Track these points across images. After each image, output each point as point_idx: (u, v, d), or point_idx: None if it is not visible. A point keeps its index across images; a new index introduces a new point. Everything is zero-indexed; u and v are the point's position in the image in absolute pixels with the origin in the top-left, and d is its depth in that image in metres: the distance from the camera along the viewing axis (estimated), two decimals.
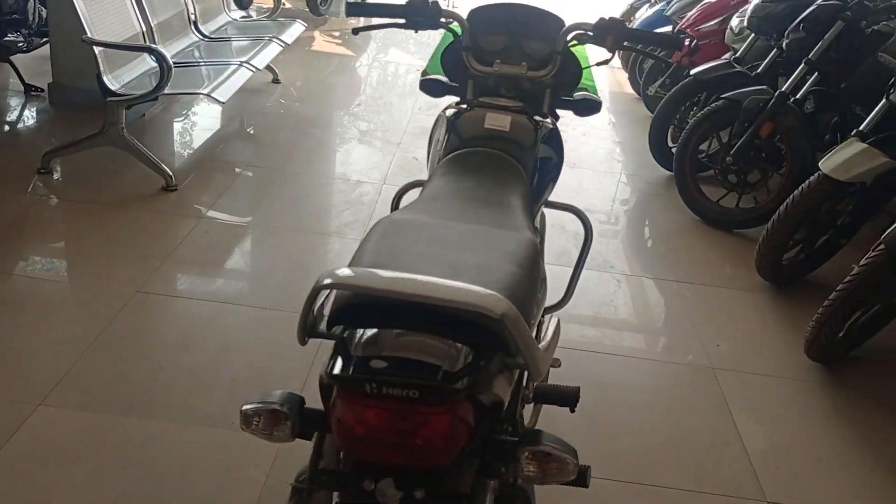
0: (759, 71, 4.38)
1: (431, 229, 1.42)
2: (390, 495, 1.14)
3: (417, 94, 6.00)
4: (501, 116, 1.91)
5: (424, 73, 2.28)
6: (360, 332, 1.16)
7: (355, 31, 2.26)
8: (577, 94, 2.20)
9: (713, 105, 4.19)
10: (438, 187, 1.70)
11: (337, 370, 1.10)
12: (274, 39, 5.16)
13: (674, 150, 4.50)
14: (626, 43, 2.09)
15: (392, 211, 2.36)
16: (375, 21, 2.17)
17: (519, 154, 1.88)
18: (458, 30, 2.13)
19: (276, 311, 3.04)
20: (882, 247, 2.75)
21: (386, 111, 5.63)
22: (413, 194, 1.93)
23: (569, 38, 2.09)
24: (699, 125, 4.22)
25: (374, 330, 1.15)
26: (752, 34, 4.56)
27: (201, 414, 2.44)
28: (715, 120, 4.20)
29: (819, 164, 3.32)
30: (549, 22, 2.12)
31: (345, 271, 1.11)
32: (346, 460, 1.24)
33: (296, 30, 5.57)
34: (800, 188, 3.38)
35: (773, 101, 3.90)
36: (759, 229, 4.05)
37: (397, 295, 1.06)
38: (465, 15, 2.15)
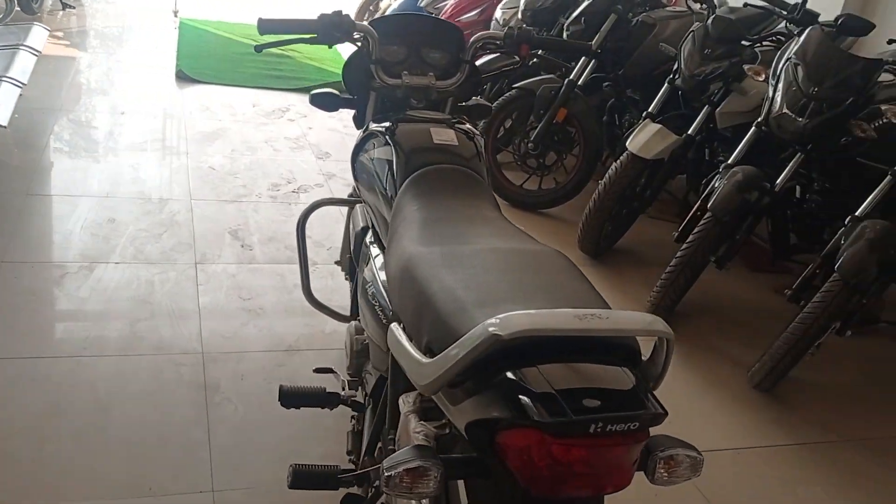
0: (535, 60, 4.68)
1: (477, 257, 1.37)
2: None
3: (184, 96, 5.59)
4: (445, 130, 1.89)
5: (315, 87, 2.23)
6: (526, 371, 1.10)
7: (258, 48, 2.09)
8: (470, 101, 2.25)
9: (508, 94, 4.40)
10: (423, 210, 1.63)
11: (546, 415, 1.03)
12: (21, 47, 4.51)
13: None
14: (539, 52, 2.16)
15: (299, 231, 2.23)
16: (285, 37, 2.02)
17: (475, 166, 1.87)
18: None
19: (140, 356, 2.73)
20: (709, 214, 3.11)
21: (154, 116, 5.17)
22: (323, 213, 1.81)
23: (477, 47, 2.11)
24: (497, 115, 4.41)
25: (534, 367, 1.10)
26: (524, 26, 4.84)
27: (114, 486, 2.15)
28: (509, 109, 4.42)
29: (626, 145, 3.65)
30: (449, 32, 2.13)
31: (520, 317, 1.04)
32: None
33: (39, 35, 4.91)
34: (613, 168, 3.70)
35: (563, 88, 4.18)
36: (562, 207, 4.39)
37: (580, 332, 1.04)
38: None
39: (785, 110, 2.95)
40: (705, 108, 3.63)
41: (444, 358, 1.11)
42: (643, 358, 1.17)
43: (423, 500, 1.27)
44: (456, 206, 1.63)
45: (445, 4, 6.07)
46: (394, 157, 1.80)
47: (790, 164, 3.08)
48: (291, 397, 1.94)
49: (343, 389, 1.97)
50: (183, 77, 6.00)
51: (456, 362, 1.08)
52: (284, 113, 5.57)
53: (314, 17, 1.99)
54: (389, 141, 1.86)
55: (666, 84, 3.78)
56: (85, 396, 2.48)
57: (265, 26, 1.93)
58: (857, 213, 2.83)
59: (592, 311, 1.07)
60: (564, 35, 4.36)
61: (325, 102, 2.15)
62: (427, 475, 1.12)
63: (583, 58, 4.21)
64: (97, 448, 2.28)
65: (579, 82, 4.20)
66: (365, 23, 2.06)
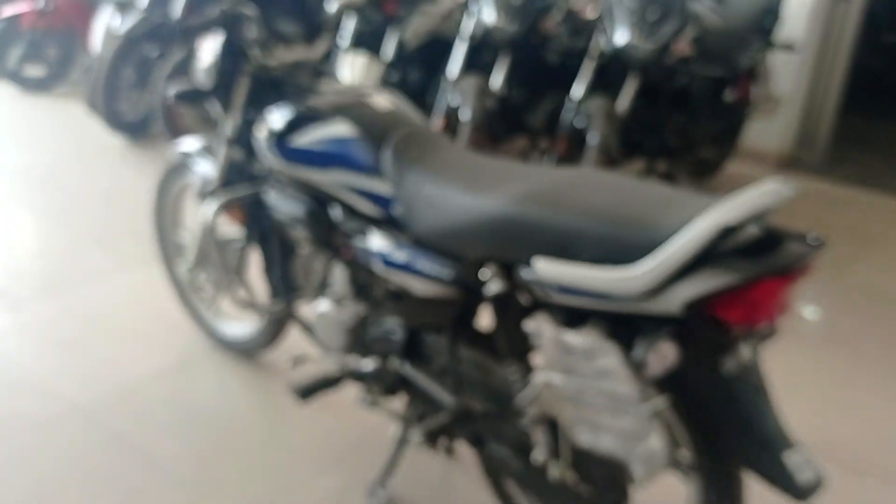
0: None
1: (567, 185, 1.50)
2: None
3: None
4: (376, 99, 1.89)
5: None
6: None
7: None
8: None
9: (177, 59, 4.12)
10: (448, 169, 1.66)
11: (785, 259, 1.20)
12: None
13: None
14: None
15: (206, 236, 2.06)
16: None
17: (426, 125, 1.93)
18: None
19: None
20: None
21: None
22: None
23: (343, 12, 2.09)
24: (173, 76, 4.12)
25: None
26: None
27: None
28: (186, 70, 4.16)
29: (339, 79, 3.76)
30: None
31: (740, 206, 1.19)
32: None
33: None
34: None
35: None
36: None
37: (780, 204, 1.24)
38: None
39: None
40: (394, 33, 3.86)
41: (665, 259, 1.25)
42: None
43: None
44: (469, 158, 1.71)
45: None
46: (349, 132, 1.76)
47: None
48: (309, 391, 1.85)
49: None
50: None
51: (683, 256, 1.24)
52: None
53: None
54: (337, 119, 1.79)
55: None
56: None
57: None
58: (575, 96, 3.40)
59: (774, 186, 1.27)
60: None
61: (191, 99, 2.03)
62: None
63: None
64: None
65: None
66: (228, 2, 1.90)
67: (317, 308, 1.96)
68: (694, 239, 1.22)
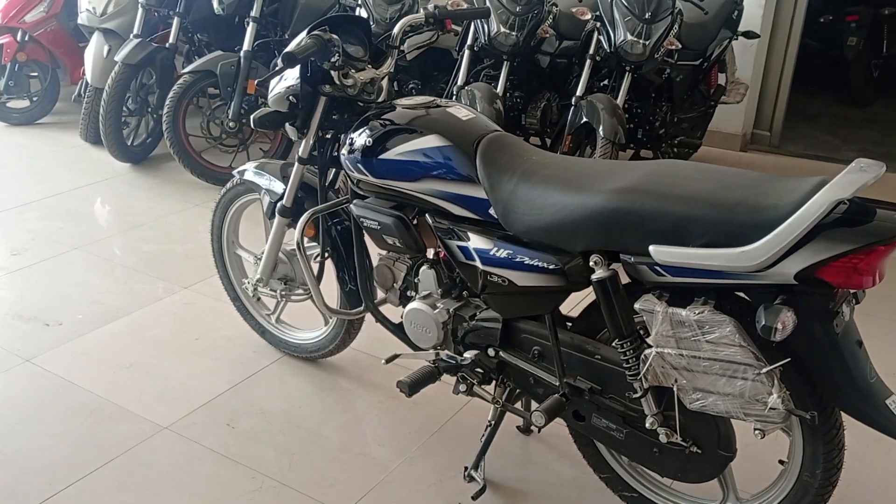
0: (171, 42, 4.40)
1: (661, 175, 1.61)
2: None
3: None
4: (458, 108, 1.97)
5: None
6: None
7: None
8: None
9: (183, 81, 4.11)
10: (541, 168, 1.75)
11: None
12: None
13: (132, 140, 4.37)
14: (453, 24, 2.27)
15: (301, 252, 2.12)
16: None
17: (502, 127, 2.02)
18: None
19: None
20: None
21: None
22: None
23: (406, 31, 2.16)
24: (180, 101, 4.10)
25: None
26: (141, 10, 4.46)
27: None
28: (189, 95, 4.14)
29: None
30: (358, 23, 2.13)
31: (850, 182, 1.33)
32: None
33: None
34: None
35: (241, 60, 4.06)
36: None
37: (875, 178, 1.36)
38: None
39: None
40: None
41: (782, 234, 1.37)
42: None
43: None
44: (553, 159, 1.81)
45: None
46: (442, 143, 1.83)
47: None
48: (416, 386, 1.92)
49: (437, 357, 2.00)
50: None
51: (803, 230, 1.35)
52: None
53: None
54: (427, 131, 1.87)
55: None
56: None
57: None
58: (578, 94, 3.52)
59: (870, 163, 1.39)
60: (215, 5, 4.14)
61: (271, 122, 2.10)
62: None
63: (247, 27, 4.12)
64: None
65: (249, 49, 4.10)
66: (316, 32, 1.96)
67: (407, 309, 2.03)
68: (812, 213, 1.34)
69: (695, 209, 1.49)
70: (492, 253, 1.79)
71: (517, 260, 1.76)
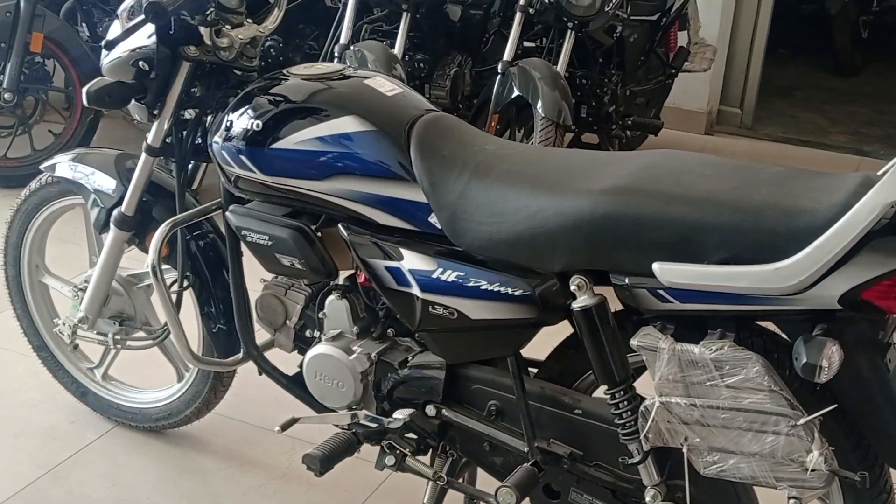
0: None
1: (667, 170, 1.70)
2: None
3: None
4: (380, 80, 2.01)
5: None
6: None
7: None
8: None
9: None
10: (500, 161, 1.82)
11: None
12: None
13: None
14: None
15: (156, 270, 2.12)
16: None
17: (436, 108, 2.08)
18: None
19: None
20: None
21: None
22: None
23: None
24: None
25: None
26: None
27: None
28: None
29: None
30: None
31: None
32: None
33: None
34: None
35: (22, 4, 3.94)
36: None
37: None
38: None
39: None
40: None
41: (825, 245, 1.48)
42: None
43: None
44: (514, 148, 1.88)
45: None
46: (361, 126, 1.87)
47: None
48: (330, 460, 1.94)
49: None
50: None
51: (851, 241, 1.47)
52: None
53: None
54: (339, 111, 1.90)
55: None
56: None
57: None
58: (506, 59, 3.63)
59: None
60: None
61: (112, 96, 2.06)
62: None
63: None
64: None
65: None
66: None
67: (310, 355, 2.04)
68: (862, 220, 1.46)
69: (710, 214, 1.58)
70: (435, 276, 1.84)
71: (470, 284, 1.80)
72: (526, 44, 3.94)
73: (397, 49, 3.70)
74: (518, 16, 3.67)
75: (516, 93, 3.55)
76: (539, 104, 3.43)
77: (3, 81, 3.98)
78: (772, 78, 6.04)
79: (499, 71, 3.65)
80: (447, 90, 4.00)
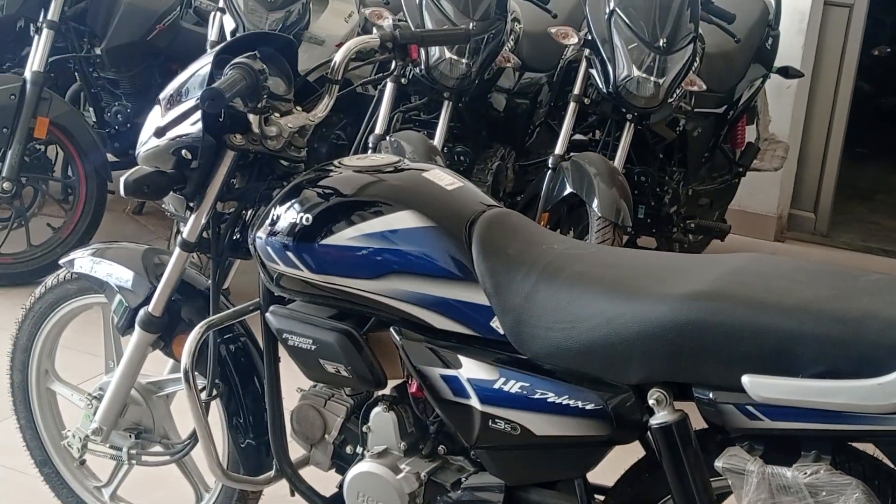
0: None
1: (747, 275, 1.79)
2: None
3: None
4: (438, 172, 2.11)
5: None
6: None
7: None
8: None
9: None
10: (567, 267, 1.90)
11: None
12: None
13: None
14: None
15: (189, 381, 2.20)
16: None
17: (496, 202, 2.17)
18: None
19: None
20: None
21: None
22: None
23: (351, 59, 2.30)
24: None
25: None
26: None
27: None
28: None
29: None
30: (276, 41, 2.27)
31: None
32: None
33: None
34: None
35: (28, 87, 4.09)
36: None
37: None
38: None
39: None
40: None
41: None
42: None
43: None
44: (585, 248, 1.97)
45: None
46: (420, 222, 1.96)
47: None
48: None
49: None
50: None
51: None
52: None
53: None
54: (397, 205, 2.00)
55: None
56: None
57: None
58: (557, 152, 3.75)
59: None
60: None
61: (151, 187, 2.15)
62: None
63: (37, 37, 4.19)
64: None
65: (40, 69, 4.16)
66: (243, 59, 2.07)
67: (352, 474, 2.10)
68: None
69: (806, 324, 1.65)
70: (496, 386, 1.90)
71: (535, 397, 1.86)
72: (576, 137, 4.05)
73: (437, 140, 3.81)
74: (572, 106, 3.79)
75: (569, 189, 3.65)
76: (595, 202, 3.52)
77: (2, 170, 4.08)
78: (849, 179, 6.09)
79: (549, 166, 3.77)
80: (489, 185, 4.09)
